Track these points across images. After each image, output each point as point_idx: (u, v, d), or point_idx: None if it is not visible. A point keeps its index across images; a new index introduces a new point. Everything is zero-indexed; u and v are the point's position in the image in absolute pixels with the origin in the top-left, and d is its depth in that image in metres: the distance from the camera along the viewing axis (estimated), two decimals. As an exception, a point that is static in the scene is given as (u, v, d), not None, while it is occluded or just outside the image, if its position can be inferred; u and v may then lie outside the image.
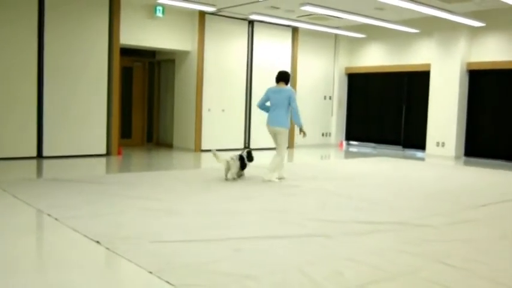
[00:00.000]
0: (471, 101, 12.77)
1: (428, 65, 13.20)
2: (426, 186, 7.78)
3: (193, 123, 12.02)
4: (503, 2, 9.29)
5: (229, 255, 3.86)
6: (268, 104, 8.01)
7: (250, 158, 8.01)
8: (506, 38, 12.01)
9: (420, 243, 4.36)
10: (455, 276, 3.52)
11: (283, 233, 4.53)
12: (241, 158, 7.87)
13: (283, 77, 7.88)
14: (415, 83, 13.93)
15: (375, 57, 14.82)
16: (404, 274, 3.53)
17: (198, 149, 12.00)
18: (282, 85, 7.85)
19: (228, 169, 7.67)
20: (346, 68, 15.43)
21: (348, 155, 13.00)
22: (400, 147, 14.30)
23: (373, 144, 14.98)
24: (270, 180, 7.66)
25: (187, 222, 4.88)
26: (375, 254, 3.99)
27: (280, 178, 7.88)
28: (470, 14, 11.43)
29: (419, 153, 13.44)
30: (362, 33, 14.12)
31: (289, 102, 7.69)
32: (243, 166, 7.92)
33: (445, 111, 12.77)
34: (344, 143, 15.53)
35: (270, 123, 7.84)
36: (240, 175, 7.96)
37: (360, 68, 15.16)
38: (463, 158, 12.69)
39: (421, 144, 13.56)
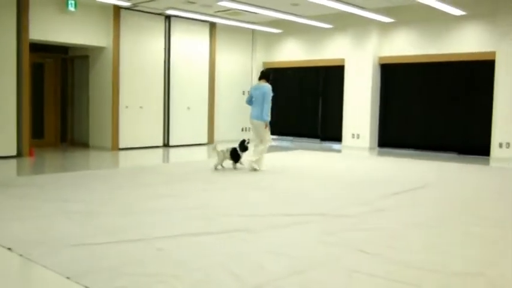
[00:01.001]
0: (383, 94, 13.34)
1: (343, 60, 13.63)
2: (343, 177, 8.05)
3: (109, 121, 11.69)
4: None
5: (152, 254, 3.80)
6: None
7: (242, 148, 8.60)
8: (414, 33, 12.63)
9: (339, 233, 4.50)
10: (371, 262, 3.67)
11: (206, 230, 4.52)
12: (234, 150, 8.59)
13: (263, 75, 8.68)
14: (331, 77, 14.35)
15: (292, 52, 15.10)
16: (324, 263, 3.64)
17: (116, 147, 11.69)
18: (262, 82, 8.53)
19: (222, 160, 8.49)
20: (264, 63, 15.61)
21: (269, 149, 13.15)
22: (317, 140, 14.69)
23: (291, 138, 15.27)
24: (255, 169, 8.42)
25: (109, 223, 4.74)
26: (296, 246, 4.07)
27: (254, 169, 8.46)
28: (381, 10, 11.91)
29: (336, 145, 13.86)
30: (279, 28, 14.33)
31: (266, 98, 8.33)
32: (237, 157, 8.61)
33: (359, 104, 13.26)
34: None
35: (250, 117, 8.59)
36: (235, 167, 8.65)
37: (277, 62, 15.38)
38: (377, 148, 13.24)
39: (337, 137, 13.99)
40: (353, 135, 13.42)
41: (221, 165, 8.61)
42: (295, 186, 7.09)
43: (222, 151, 8.59)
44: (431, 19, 12.12)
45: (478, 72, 11.76)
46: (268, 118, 8.42)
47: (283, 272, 3.44)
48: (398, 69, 13.06)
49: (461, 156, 11.63)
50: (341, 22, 13.37)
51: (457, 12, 11.00)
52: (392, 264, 3.65)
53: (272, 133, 15.77)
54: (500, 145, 11.12)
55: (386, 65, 13.19)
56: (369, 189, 6.99)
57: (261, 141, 8.59)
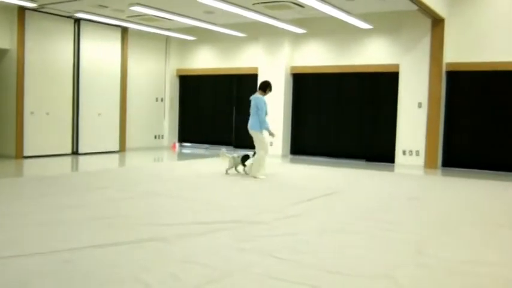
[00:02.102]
0: (295, 103, 13.65)
1: (256, 68, 13.80)
2: (258, 184, 8.11)
3: (13, 128, 11.05)
4: (321, 11, 10.07)
5: (57, 268, 3.60)
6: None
7: (245, 160, 9.27)
8: (325, 44, 13.05)
9: (253, 240, 4.52)
10: (285, 268, 3.71)
11: (117, 240, 4.37)
12: (245, 156, 9.29)
13: (259, 87, 9.18)
14: (244, 86, 14.47)
15: (206, 60, 15.08)
16: (238, 271, 3.63)
17: (20, 155, 11.07)
18: (258, 94, 9.07)
19: (233, 165, 9.20)
20: (178, 70, 15.47)
21: (181, 156, 13.04)
22: (232, 148, 14.74)
23: (206, 145, 15.22)
24: (256, 178, 8.76)
25: (8, 236, 4.45)
26: (210, 254, 4.03)
27: (255, 176, 8.82)
28: (294, 21, 12.21)
29: (250, 153, 13.95)
30: (193, 35, 14.28)
31: (257, 109, 8.87)
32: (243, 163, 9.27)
33: (273, 112, 13.47)
34: (177, 144, 15.55)
35: (248, 127, 9.09)
36: (246, 172, 9.18)
37: (191, 70, 15.29)
38: (290, 156, 13.51)
39: (251, 144, 14.10)
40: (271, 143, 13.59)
41: (236, 169, 9.34)
42: (209, 194, 7.05)
43: (234, 157, 9.28)
44: (341, 32, 12.59)
45: (383, 84, 12.35)
46: (265, 127, 8.91)
47: (197, 281, 3.39)
48: (310, 79, 13.43)
49: (369, 163, 12.13)
50: (254, 31, 13.56)
51: (364, 26, 11.50)
52: (305, 268, 3.71)
53: (186, 141, 15.76)
54: (404, 152, 11.73)
55: (298, 74, 13.52)
56: (281, 196, 7.09)
57: (260, 149, 8.99)
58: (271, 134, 9.13)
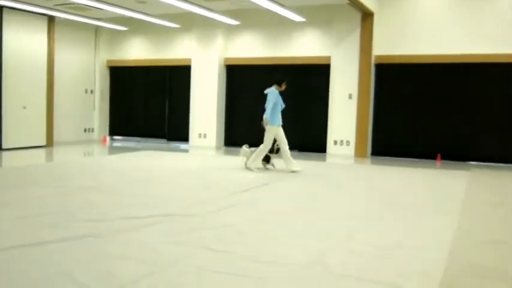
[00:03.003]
0: (229, 94, 13.65)
1: (189, 60, 13.68)
2: (190, 177, 8.07)
3: None
4: (254, 2, 10.10)
5: (-18, 268, 3.44)
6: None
7: (270, 151, 9.04)
8: (259, 36, 13.12)
9: (187, 233, 4.50)
10: (219, 260, 3.72)
11: (47, 239, 4.21)
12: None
13: (275, 81, 8.96)
14: (178, 77, 14.32)
15: (138, 51, 14.78)
16: (173, 264, 3.60)
17: None
18: (273, 88, 8.88)
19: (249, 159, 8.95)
20: (108, 61, 15.07)
21: (113, 150, 12.76)
22: (165, 140, 14.57)
23: (138, 138, 14.95)
24: (249, 169, 8.86)
25: None
26: (144, 249, 3.98)
27: (258, 168, 8.91)
28: (227, 13, 12.18)
29: (183, 145, 13.87)
30: (124, 25, 13.94)
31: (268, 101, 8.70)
32: (268, 158, 9.11)
33: (206, 104, 13.42)
34: (108, 138, 15.17)
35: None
36: (266, 167, 9.16)
37: (122, 61, 14.94)
38: (224, 148, 13.52)
39: (185, 137, 14.01)
40: (200, 135, 13.55)
41: (264, 166, 9.14)
42: (142, 188, 6.94)
43: (251, 151, 9.09)
44: (275, 24, 12.69)
45: (316, 75, 12.58)
46: (267, 117, 8.70)
47: (132, 276, 3.34)
48: (244, 71, 13.46)
49: (302, 153, 12.35)
50: (188, 22, 13.42)
51: (297, 18, 11.65)
52: (240, 260, 3.73)
53: (118, 134, 15.39)
54: (335, 142, 12.03)
55: (232, 66, 13.52)
56: (216, 188, 7.09)
57: (263, 143, 8.90)
58: (265, 125, 8.83)
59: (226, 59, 13.49)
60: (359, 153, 11.74)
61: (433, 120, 11.46)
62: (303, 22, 12.24)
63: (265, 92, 8.96)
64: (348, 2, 10.45)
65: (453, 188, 7.60)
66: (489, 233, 4.82)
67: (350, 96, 11.88)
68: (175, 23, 13.23)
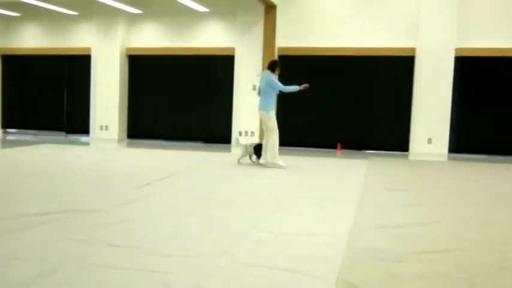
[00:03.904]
0: (132, 85, 13.31)
1: (89, 49, 13.15)
2: (92, 171, 7.78)
3: None
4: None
5: None
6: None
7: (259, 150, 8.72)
8: (162, 26, 12.87)
9: (88, 229, 4.32)
10: (123, 255, 3.61)
11: None
12: (258, 145, 8.78)
13: (268, 66, 8.63)
14: (77, 67, 13.73)
15: (33, 39, 13.97)
16: (74, 262, 3.44)
17: None
18: (267, 72, 8.53)
19: (246, 154, 8.73)
20: (1, 49, 14.11)
21: (6, 144, 11.99)
22: (63, 133, 13.93)
23: (34, 131, 14.18)
24: (275, 164, 8.42)
25: None
26: (42, 247, 3.76)
27: (260, 163, 8.60)
28: (129, 1, 11.81)
29: (84, 138, 13.34)
30: (17, 11, 13.10)
31: (272, 87, 8.39)
32: (260, 153, 8.71)
33: (108, 95, 12.99)
34: (1, 131, 14.24)
35: (258, 107, 8.59)
36: (258, 162, 8.75)
37: (16, 49, 14.06)
38: (127, 140, 13.18)
39: (85, 129, 13.48)
40: (101, 127, 13.10)
41: (250, 159, 8.86)
42: (39, 184, 6.58)
43: (246, 146, 8.82)
44: (179, 14, 12.52)
45: (220, 66, 12.58)
46: (295, 88, 8.44)
47: (29, 276, 3.14)
48: (147, 61, 13.17)
49: (208, 145, 12.33)
50: (87, 9, 12.88)
51: (201, 8, 11.56)
52: (144, 254, 3.64)
53: (11, 127, 14.48)
54: (241, 133, 12.12)
55: (135, 56, 13.18)
56: (119, 181, 6.89)
57: (271, 132, 8.49)
58: (304, 87, 8.47)
59: (129, 49, 13.11)
60: (264, 144, 11.91)
61: (334, 109, 11.88)
62: (206, 12, 12.18)
63: (260, 76, 8.67)
64: (251, -7, 10.52)
65: (353, 176, 7.93)
66: (386, 218, 5.07)
67: (254, 88, 12.01)
68: (74, 10, 12.63)
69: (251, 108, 11.99)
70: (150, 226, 4.49)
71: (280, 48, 11.94)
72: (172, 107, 13.05)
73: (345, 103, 11.85)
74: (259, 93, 8.80)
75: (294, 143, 12.06)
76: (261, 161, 8.75)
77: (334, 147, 11.77)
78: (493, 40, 11.04)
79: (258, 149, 8.86)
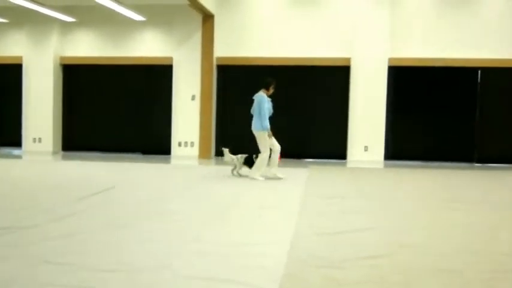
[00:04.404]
0: (67, 96, 12.92)
1: (20, 58, 12.67)
2: (26, 185, 7.48)
3: None
4: None
5: None
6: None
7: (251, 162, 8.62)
8: (98, 34, 12.60)
9: (22, 246, 4.13)
10: (58, 272, 3.47)
11: None
12: (248, 157, 8.65)
13: (263, 84, 8.62)
14: (8, 77, 13.19)
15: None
16: (7, 282, 3.28)
17: None
18: (261, 92, 8.54)
19: (239, 167, 8.66)
20: None
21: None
22: (-6, 146, 13.34)
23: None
24: (253, 178, 8.33)
25: None
26: (-31, 267, 3.57)
27: (274, 177, 8.47)
28: (62, 9, 11.48)
29: (16, 151, 12.80)
30: None
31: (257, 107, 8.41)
32: (252, 164, 8.59)
33: (41, 106, 12.53)
34: None
35: (252, 127, 8.59)
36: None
37: None
38: (62, 152, 12.77)
39: (17, 141, 12.94)
40: (35, 139, 12.62)
41: (235, 172, 8.77)
42: (-33, 199, 6.25)
43: (237, 158, 8.72)
44: (115, 22, 12.29)
45: (158, 76, 12.44)
46: (265, 126, 8.39)
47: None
48: (82, 71, 12.85)
49: (146, 156, 12.13)
50: (18, 17, 12.40)
51: (137, 17, 11.40)
52: (82, 271, 3.52)
53: None
54: (180, 144, 12.03)
55: (69, 65, 12.82)
56: (54, 195, 6.65)
57: (262, 150, 8.50)
58: (269, 134, 8.51)
59: (63, 58, 12.73)
60: (203, 155, 11.85)
61: (271, 120, 11.96)
62: (143, 21, 12.02)
63: (253, 97, 8.65)
64: (188, 3, 10.48)
65: (293, 184, 8.02)
66: (326, 225, 5.15)
67: (193, 98, 11.95)
68: (4, 17, 12.15)
69: (190, 118, 11.92)
70: (88, 241, 4.35)
71: (218, 58, 11.95)
72: (109, 117, 12.76)
73: (284, 112, 11.98)
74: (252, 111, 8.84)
75: (236, 152, 12.03)
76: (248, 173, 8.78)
77: (275, 156, 11.85)
78: (423, 50, 11.52)
79: (248, 161, 8.78)
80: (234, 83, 12.17)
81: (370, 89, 11.47)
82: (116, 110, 12.72)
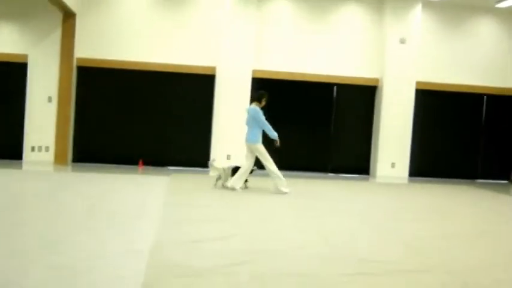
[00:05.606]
0: None
1: None
2: None
3: None
4: None
5: None
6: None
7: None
8: None
9: None
10: None
11: None
12: (236, 168, 8.55)
13: (255, 97, 8.65)
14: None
15: None
16: None
17: None
18: (253, 105, 8.51)
19: (225, 178, 8.52)
20: None
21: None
22: None
23: None
24: (233, 188, 8.33)
25: None
26: None
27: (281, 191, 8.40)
28: None
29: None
30: None
31: (256, 120, 8.31)
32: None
33: None
34: None
35: (245, 140, 8.53)
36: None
37: None
38: None
39: None
40: None
41: (223, 183, 8.57)
42: None
43: (223, 169, 8.61)
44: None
45: (11, 75, 11.50)
46: (273, 135, 8.36)
47: None
48: None
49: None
50: None
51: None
52: None
53: None
54: (33, 148, 11.25)
55: None
56: None
57: (264, 161, 8.40)
58: (276, 142, 8.41)
59: None
60: (59, 160, 11.18)
61: (136, 126, 11.70)
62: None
63: (247, 110, 8.59)
64: (48, -2, 9.88)
65: (154, 192, 7.89)
66: (186, 233, 5.12)
67: (50, 99, 11.26)
68: None
69: (46, 121, 11.21)
70: None
71: (79, 59, 11.38)
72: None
73: (149, 118, 11.75)
74: (247, 124, 8.63)
75: (95, 159, 11.56)
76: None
77: (137, 163, 11.54)
78: (283, 64, 12.03)
79: (234, 172, 8.53)
80: (96, 86, 11.68)
81: (235, 97, 11.60)
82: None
